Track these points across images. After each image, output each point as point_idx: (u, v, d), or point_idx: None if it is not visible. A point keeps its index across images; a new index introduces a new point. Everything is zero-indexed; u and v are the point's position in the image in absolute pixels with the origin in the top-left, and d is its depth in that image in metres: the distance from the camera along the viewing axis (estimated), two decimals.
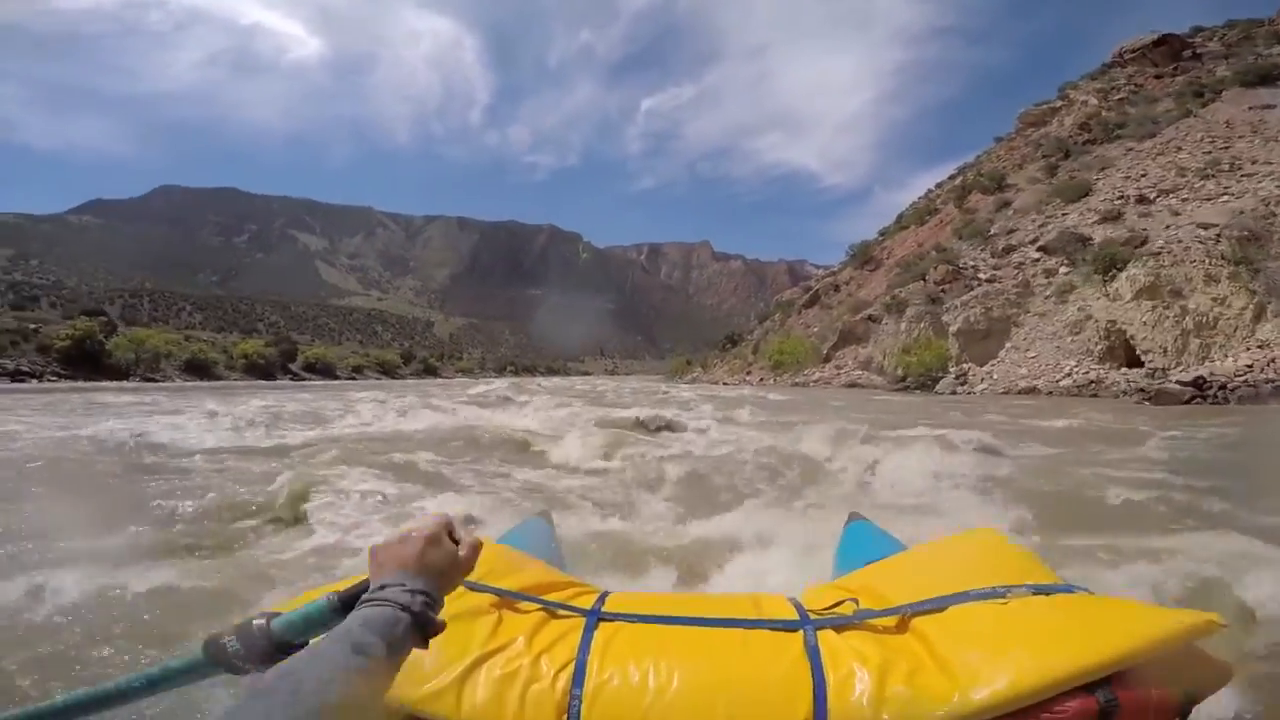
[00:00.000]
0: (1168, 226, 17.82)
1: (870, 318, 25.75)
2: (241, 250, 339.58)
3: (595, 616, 0.91)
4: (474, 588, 0.91)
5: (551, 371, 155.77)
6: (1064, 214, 23.67)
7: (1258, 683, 1.48)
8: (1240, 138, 22.93)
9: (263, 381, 38.70)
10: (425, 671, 0.79)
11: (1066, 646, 0.71)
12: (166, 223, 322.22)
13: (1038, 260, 21.00)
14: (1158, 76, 37.24)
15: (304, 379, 45.98)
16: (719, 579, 2.24)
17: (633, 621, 0.89)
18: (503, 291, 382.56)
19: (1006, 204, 31.54)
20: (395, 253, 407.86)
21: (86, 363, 30.84)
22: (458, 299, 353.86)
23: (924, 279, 23.58)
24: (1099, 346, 15.28)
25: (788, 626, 0.86)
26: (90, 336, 31.22)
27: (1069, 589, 0.86)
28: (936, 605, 0.85)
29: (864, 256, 45.41)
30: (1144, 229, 19.17)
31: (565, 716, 0.76)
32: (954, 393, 16.64)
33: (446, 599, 0.65)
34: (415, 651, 0.58)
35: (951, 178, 51.86)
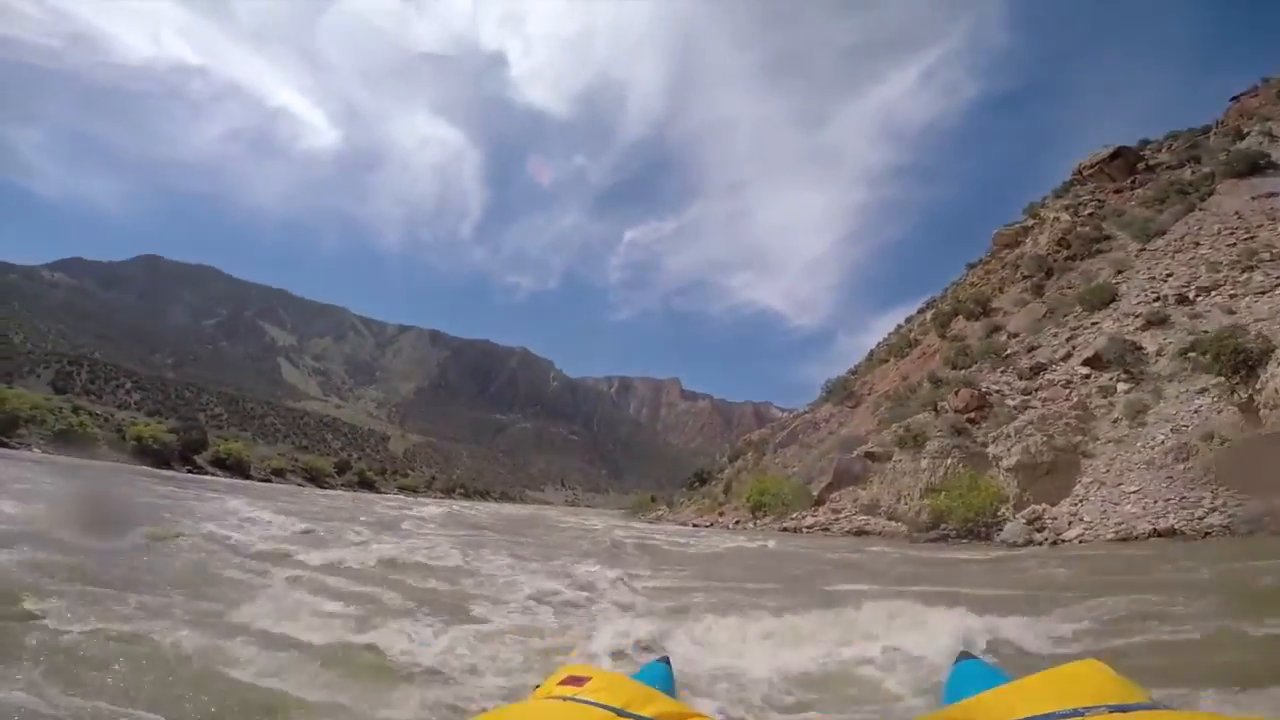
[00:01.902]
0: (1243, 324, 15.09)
1: (870, 455, 22.17)
2: (206, 334, 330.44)
3: None
4: (622, 714, 1.03)
5: (507, 498, 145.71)
6: (1094, 323, 21.33)
7: None
8: (1259, 227, 21.64)
9: (147, 469, 32.62)
10: None
11: None
12: (138, 293, 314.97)
13: (1088, 377, 18.08)
14: (1117, 191, 37.54)
15: (207, 473, 39.61)
16: None
17: None
18: (467, 411, 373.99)
19: (998, 328, 29.89)
20: (363, 359, 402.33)
21: None
22: (419, 415, 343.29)
23: (936, 409, 20.46)
24: (1234, 473, 11.73)
25: None
26: None
27: (1150, 707, 0.86)
28: None
29: (843, 393, 43.20)
30: (1205, 329, 16.65)
31: None
32: (1030, 542, 12.64)
33: None
34: None
35: (921, 311, 51.17)
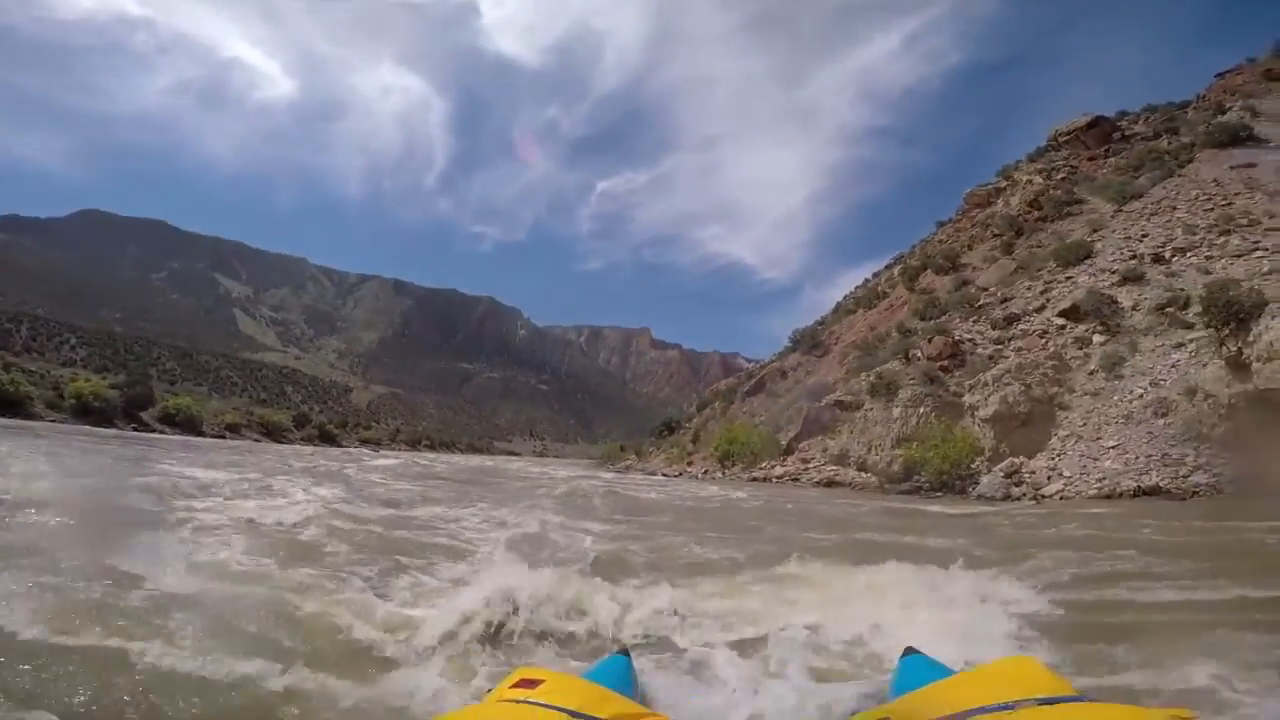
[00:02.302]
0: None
1: (839, 404, 22.13)
2: (155, 288, 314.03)
3: None
4: (575, 716, 1.04)
5: (474, 449, 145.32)
6: (1068, 277, 21.35)
7: None
8: (1237, 195, 21.87)
9: (89, 428, 30.82)
10: None
11: None
12: (81, 248, 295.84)
13: (1064, 328, 18.05)
14: (1091, 158, 38.03)
15: (155, 431, 37.78)
16: None
17: None
18: (432, 361, 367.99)
19: (966, 282, 30.12)
20: (322, 309, 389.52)
21: None
22: (382, 365, 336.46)
23: (908, 357, 20.34)
24: (1218, 430, 11.74)
25: None
26: None
27: (1077, 699, 0.94)
28: None
29: (810, 342, 43.41)
30: (1181, 287, 16.73)
31: None
32: (1009, 497, 12.63)
33: None
34: None
35: (889, 266, 51.73)
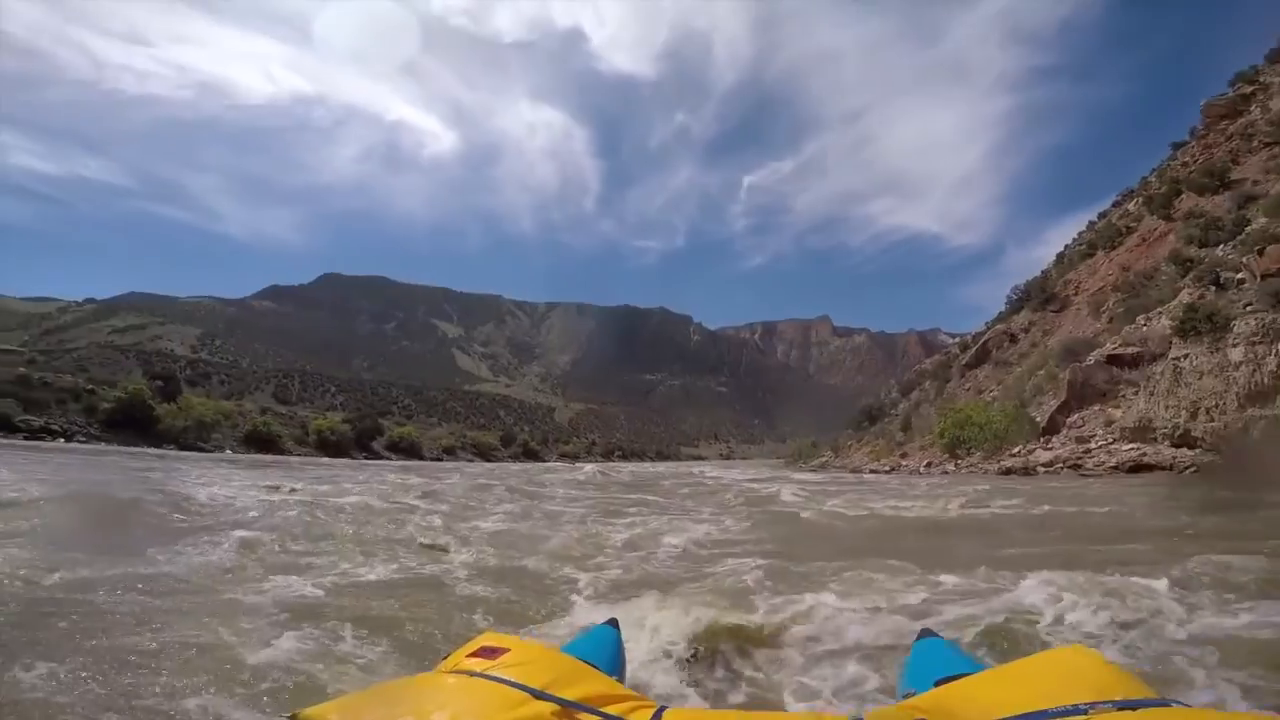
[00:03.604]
0: None
1: (1114, 359, 16.06)
2: (389, 337, 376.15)
3: None
4: (538, 695, 0.94)
5: (662, 456, 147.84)
6: None
7: None
8: None
9: (326, 459, 35.25)
10: None
11: None
12: (328, 308, 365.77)
13: None
14: None
15: (384, 458, 42.54)
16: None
17: None
18: (618, 376, 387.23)
19: (1251, 198, 24.09)
20: (522, 339, 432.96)
21: (131, 427, 28.50)
22: (578, 384, 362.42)
23: (1219, 283, 13.78)
24: None
25: None
26: (139, 400, 28.99)
27: (1162, 703, 0.80)
28: None
29: (1042, 296, 35.15)
30: None
31: None
32: None
33: (508, 705, 0.78)
34: None
35: (1118, 203, 44.60)
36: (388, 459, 41.48)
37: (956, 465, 18.96)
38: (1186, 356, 12.03)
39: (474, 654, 1.05)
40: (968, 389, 32.25)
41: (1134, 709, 0.75)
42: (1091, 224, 47.35)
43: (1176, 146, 41.56)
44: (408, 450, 46.35)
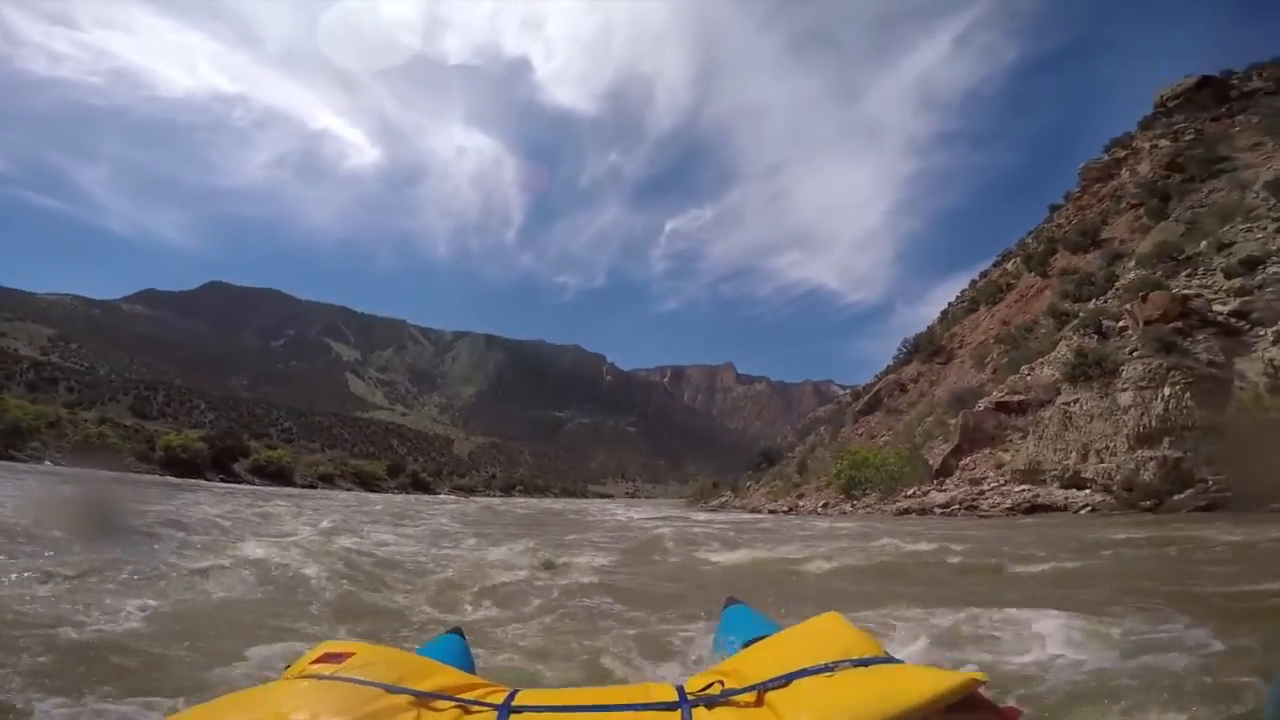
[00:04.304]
0: None
1: (1002, 407, 16.73)
2: (276, 355, 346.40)
3: (506, 711, 0.98)
4: (392, 690, 0.96)
5: (567, 493, 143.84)
6: None
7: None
8: None
9: (175, 479, 30.47)
10: None
11: (873, 706, 0.87)
12: (210, 319, 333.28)
13: None
14: (1214, 119, 34.76)
15: (245, 482, 37.57)
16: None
17: (539, 712, 0.99)
18: (525, 411, 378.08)
19: (1119, 255, 26.47)
20: (423, 368, 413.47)
21: None
22: (481, 417, 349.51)
23: (1101, 332, 14.75)
24: None
25: (668, 708, 0.99)
26: None
27: (886, 660, 1.02)
28: (784, 681, 0.99)
29: (930, 348, 37.46)
30: None
31: None
32: None
33: (363, 701, 0.82)
34: None
35: (999, 263, 47.64)
36: (249, 483, 36.70)
37: (853, 506, 19.02)
38: (1076, 401, 12.60)
39: (318, 660, 1.04)
40: (860, 434, 33.34)
41: (867, 665, 0.97)
42: (973, 282, 50.43)
43: (1054, 209, 45.04)
44: (275, 475, 41.35)
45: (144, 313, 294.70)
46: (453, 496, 55.72)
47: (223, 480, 35.45)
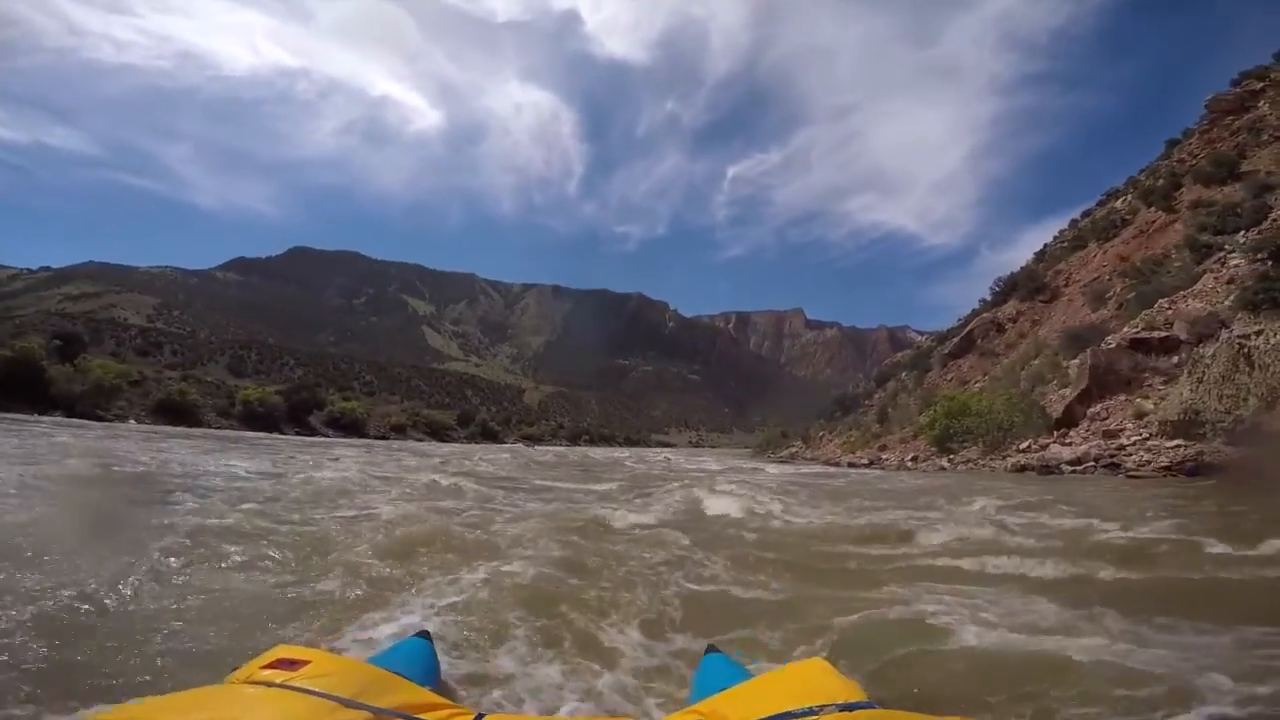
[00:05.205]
0: None
1: (1136, 344, 13.79)
2: (358, 312, 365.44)
3: None
4: (348, 704, 0.91)
5: (631, 442, 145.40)
6: None
7: None
8: None
9: (250, 433, 31.59)
10: None
11: None
12: (296, 282, 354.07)
13: None
14: None
15: (320, 434, 38.91)
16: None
17: None
18: (591, 359, 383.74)
19: (1269, 188, 22.98)
20: (494, 319, 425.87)
21: (20, 392, 24.65)
22: (550, 367, 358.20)
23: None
24: None
25: None
26: (28, 360, 25.13)
27: (868, 705, 1.00)
28: None
29: (1030, 285, 33.40)
30: None
31: None
32: None
33: (314, 715, 0.80)
34: None
35: (1102, 202, 43.78)
36: (324, 435, 37.94)
37: (949, 460, 16.60)
38: (1260, 333, 9.66)
39: (270, 665, 0.99)
40: (950, 379, 30.22)
41: (851, 710, 0.96)
42: (1074, 221, 46.33)
43: (1171, 144, 40.76)
44: (349, 427, 42.78)
45: (236, 279, 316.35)
46: (519, 445, 56.59)
47: (297, 433, 36.71)
